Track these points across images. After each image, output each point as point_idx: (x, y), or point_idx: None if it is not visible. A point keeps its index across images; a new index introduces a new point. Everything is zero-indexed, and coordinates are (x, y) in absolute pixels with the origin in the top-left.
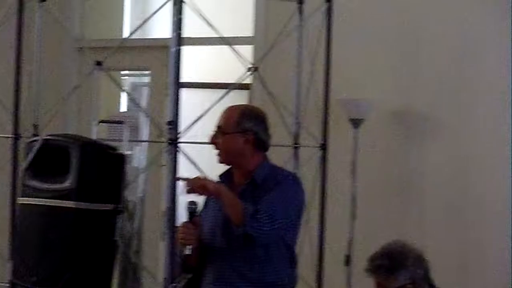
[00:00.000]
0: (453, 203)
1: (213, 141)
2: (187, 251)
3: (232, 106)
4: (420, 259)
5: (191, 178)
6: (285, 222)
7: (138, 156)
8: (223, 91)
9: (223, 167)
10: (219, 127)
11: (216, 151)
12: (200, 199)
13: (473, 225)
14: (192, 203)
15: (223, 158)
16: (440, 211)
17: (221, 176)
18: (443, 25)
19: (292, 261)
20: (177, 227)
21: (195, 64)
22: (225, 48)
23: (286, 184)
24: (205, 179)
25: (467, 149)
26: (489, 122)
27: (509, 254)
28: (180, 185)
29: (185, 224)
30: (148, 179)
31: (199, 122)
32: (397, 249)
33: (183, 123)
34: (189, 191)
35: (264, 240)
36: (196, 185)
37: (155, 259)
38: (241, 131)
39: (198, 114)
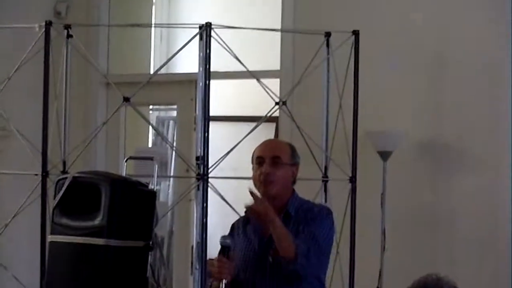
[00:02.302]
0: (483, 234)
1: (270, 171)
2: (222, 285)
3: (275, 139)
4: None
5: (259, 198)
6: (325, 258)
7: (165, 191)
8: (248, 124)
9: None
10: (276, 157)
11: (268, 181)
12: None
13: (504, 257)
14: (226, 238)
15: (277, 188)
16: (470, 242)
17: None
18: (470, 54)
19: None
20: (207, 261)
21: (221, 97)
22: (251, 81)
23: (323, 219)
24: (268, 206)
25: (497, 179)
26: None
27: None
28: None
29: (219, 258)
30: (176, 213)
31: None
32: (433, 281)
33: (210, 157)
34: (251, 211)
35: (305, 275)
36: (258, 209)
37: None
38: (294, 163)
39: (224, 148)
